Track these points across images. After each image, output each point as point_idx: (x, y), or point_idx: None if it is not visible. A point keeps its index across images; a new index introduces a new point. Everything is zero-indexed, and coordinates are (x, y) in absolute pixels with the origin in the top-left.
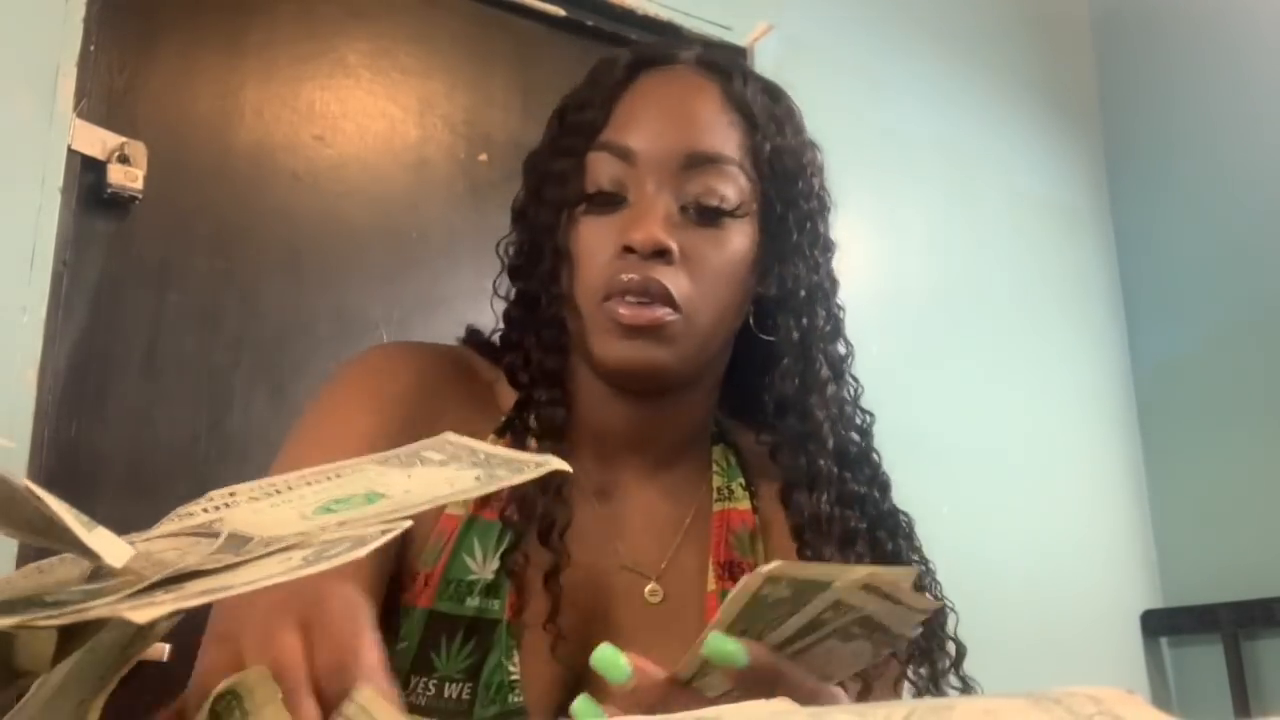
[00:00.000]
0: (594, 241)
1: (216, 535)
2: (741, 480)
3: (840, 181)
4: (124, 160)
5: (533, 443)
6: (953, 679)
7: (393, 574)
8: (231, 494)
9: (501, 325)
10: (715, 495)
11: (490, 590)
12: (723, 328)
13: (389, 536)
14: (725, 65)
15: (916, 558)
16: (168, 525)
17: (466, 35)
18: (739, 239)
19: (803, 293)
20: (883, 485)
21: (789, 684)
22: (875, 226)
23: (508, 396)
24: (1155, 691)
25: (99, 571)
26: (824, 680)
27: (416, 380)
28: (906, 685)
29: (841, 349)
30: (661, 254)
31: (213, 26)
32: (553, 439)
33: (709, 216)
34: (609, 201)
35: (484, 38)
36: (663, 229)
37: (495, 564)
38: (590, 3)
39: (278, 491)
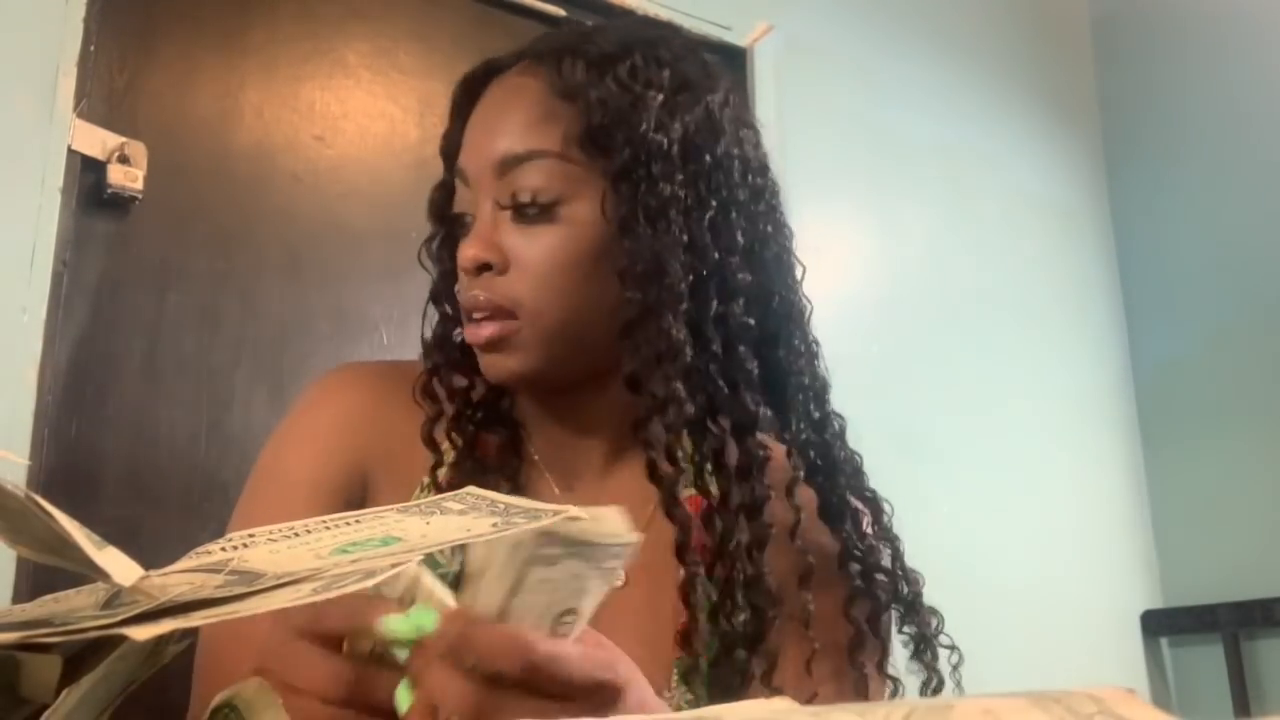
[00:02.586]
0: (452, 271)
1: (232, 572)
2: (708, 466)
3: (840, 181)
4: (124, 160)
5: (492, 438)
6: (938, 643)
7: None
8: (250, 535)
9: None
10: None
11: (458, 583)
12: (581, 319)
13: (398, 570)
14: (559, 49)
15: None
16: (185, 562)
17: (466, 35)
18: (571, 228)
19: (648, 259)
20: (836, 461)
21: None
22: (875, 227)
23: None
24: (1155, 691)
25: (112, 600)
26: (552, 607)
27: (348, 413)
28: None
29: (720, 308)
30: (486, 268)
31: (213, 26)
32: (504, 429)
33: (527, 215)
34: (461, 225)
35: (484, 38)
36: (480, 244)
37: (461, 555)
38: (590, 3)
39: (295, 534)
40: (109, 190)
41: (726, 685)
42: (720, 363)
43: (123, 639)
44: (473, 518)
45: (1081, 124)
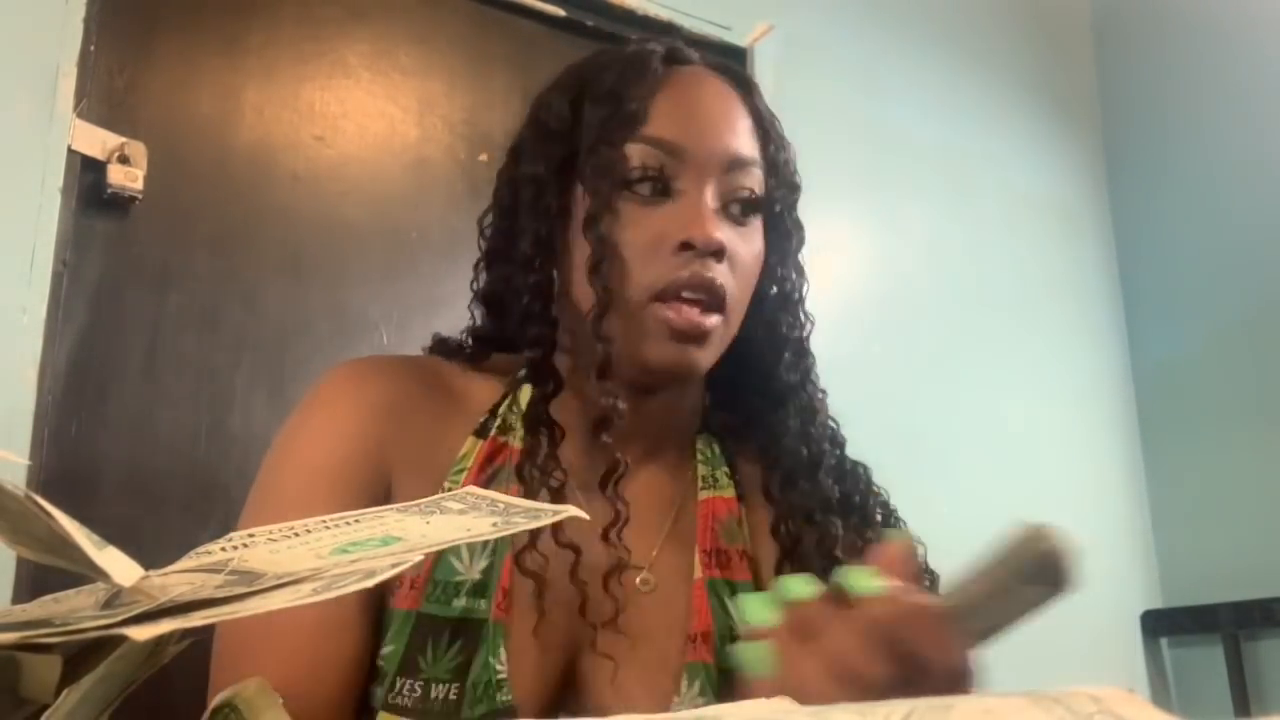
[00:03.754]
0: (641, 234)
1: (232, 572)
2: (726, 469)
3: (840, 181)
4: (124, 160)
5: (514, 443)
6: None
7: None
8: (251, 535)
9: (479, 315)
10: (700, 484)
11: (477, 590)
12: (740, 322)
13: (399, 569)
14: (735, 71)
15: (880, 505)
16: (185, 562)
17: (466, 35)
18: (759, 239)
19: (796, 295)
20: (839, 442)
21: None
22: (875, 226)
23: (481, 398)
24: (1155, 691)
25: (112, 600)
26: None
27: (372, 404)
28: None
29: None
30: (719, 254)
31: (213, 26)
32: (541, 431)
33: (744, 215)
34: (655, 192)
35: (484, 38)
36: (720, 229)
37: (482, 564)
38: (590, 3)
39: (296, 534)
40: (109, 190)
41: (735, 690)
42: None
43: (123, 639)
44: (473, 517)
45: (1081, 124)
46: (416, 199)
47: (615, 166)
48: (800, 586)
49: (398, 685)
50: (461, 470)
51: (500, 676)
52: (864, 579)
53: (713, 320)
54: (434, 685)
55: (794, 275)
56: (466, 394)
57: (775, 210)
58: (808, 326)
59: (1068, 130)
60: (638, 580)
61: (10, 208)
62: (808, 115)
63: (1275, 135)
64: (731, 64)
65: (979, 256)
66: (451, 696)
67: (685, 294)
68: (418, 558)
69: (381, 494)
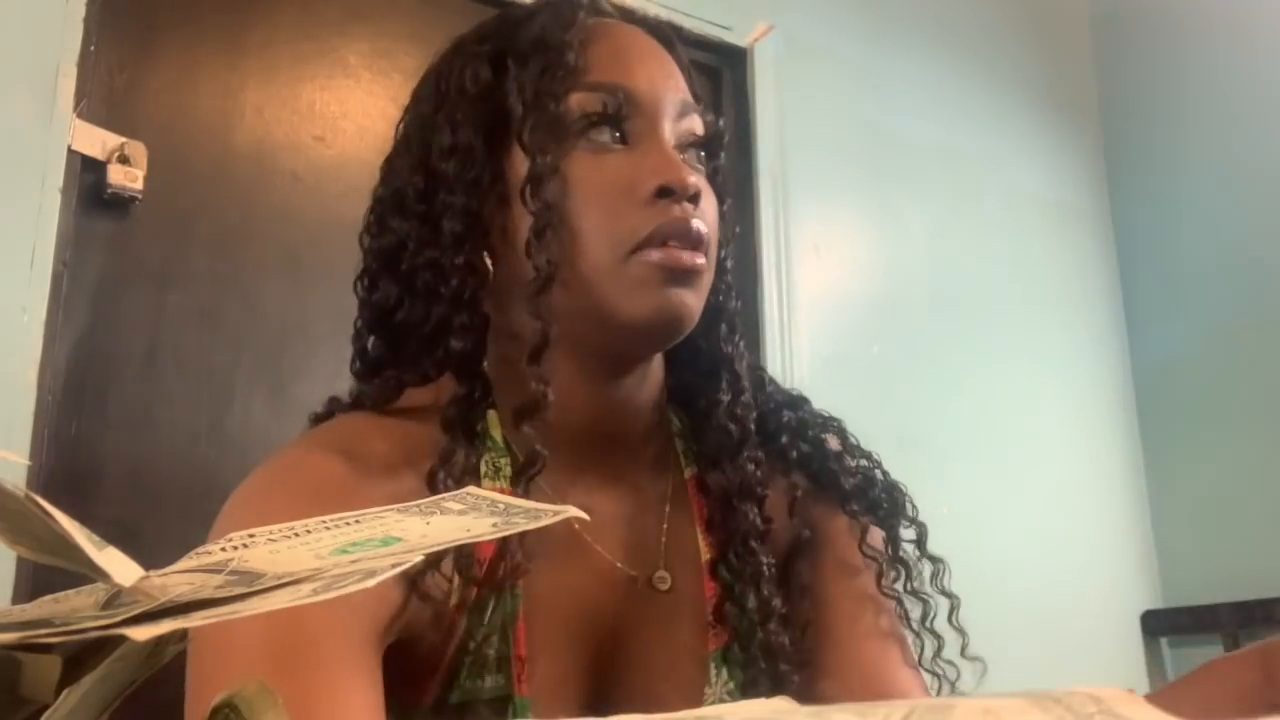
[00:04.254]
0: (604, 186)
1: (232, 572)
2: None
3: (840, 181)
4: (124, 161)
5: (503, 484)
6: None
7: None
8: (251, 535)
9: (371, 343)
10: (684, 460)
11: (494, 667)
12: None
13: (399, 569)
14: (653, 24)
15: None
16: (185, 562)
17: None
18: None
19: (729, 261)
20: (769, 388)
21: None
22: (875, 226)
23: (420, 446)
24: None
25: (112, 601)
26: None
27: (310, 500)
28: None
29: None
30: (696, 198)
31: (213, 26)
32: (459, 434)
33: (700, 161)
34: (613, 139)
35: None
36: (690, 170)
37: (492, 649)
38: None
39: (295, 534)
40: (109, 190)
41: (758, 663)
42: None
43: (123, 639)
44: (473, 518)
45: (1081, 124)
46: None
47: (562, 119)
48: None
49: None
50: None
51: None
52: None
53: (701, 259)
54: None
55: (724, 243)
56: (407, 434)
57: (714, 165)
58: (737, 299)
59: (1068, 130)
60: (654, 578)
61: (10, 208)
62: (808, 115)
63: (1275, 135)
64: (647, 17)
65: (979, 257)
66: None
67: (672, 242)
68: (418, 558)
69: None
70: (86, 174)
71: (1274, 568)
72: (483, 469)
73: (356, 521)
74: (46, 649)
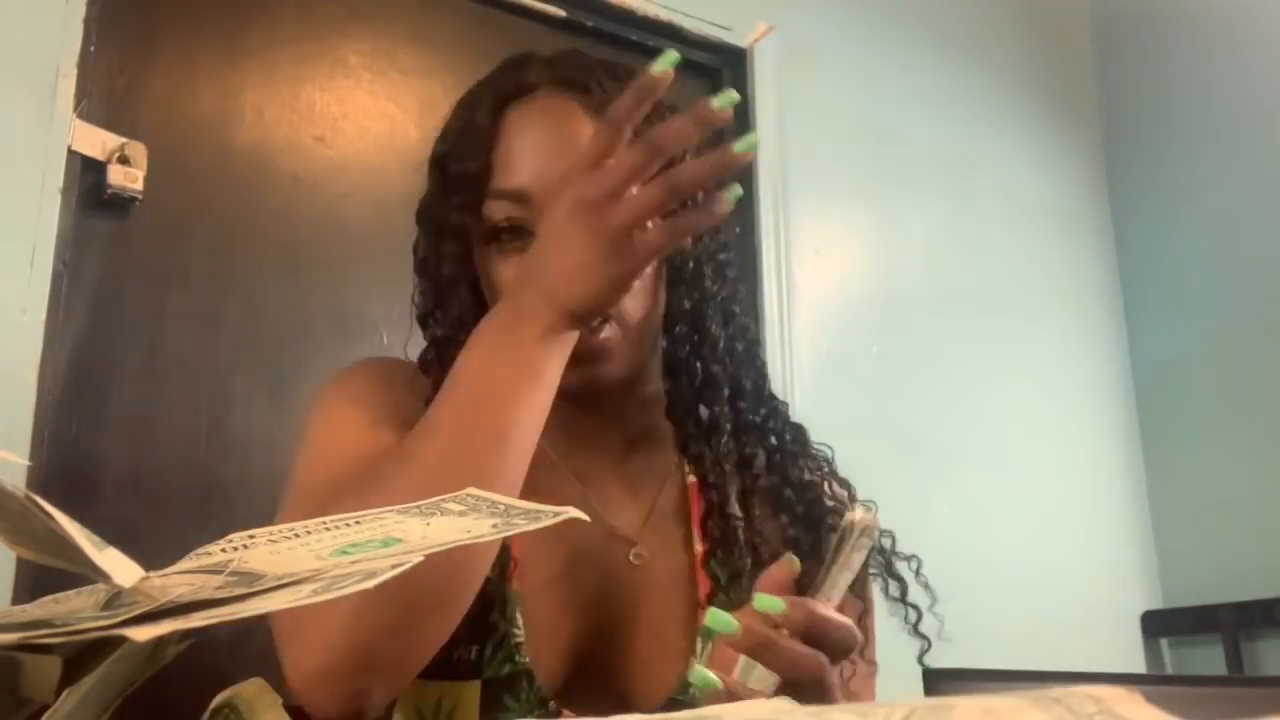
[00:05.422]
0: (502, 286)
1: (232, 573)
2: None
3: (840, 182)
4: (124, 161)
5: None
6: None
7: None
8: (251, 536)
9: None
10: (688, 467)
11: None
12: (651, 324)
13: (400, 569)
14: (579, 76)
15: (811, 471)
16: (185, 563)
17: (466, 35)
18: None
19: (690, 265)
20: (772, 410)
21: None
22: (875, 227)
23: None
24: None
25: (113, 601)
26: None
27: (394, 387)
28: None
29: (732, 294)
30: None
31: (213, 27)
32: None
33: None
34: (513, 237)
35: (484, 38)
36: None
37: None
38: (590, 3)
39: (296, 535)
40: (109, 191)
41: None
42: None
43: (123, 640)
44: (473, 519)
45: (1081, 124)
46: (416, 200)
47: (470, 228)
48: (724, 619)
49: None
50: None
51: (518, 640)
52: (768, 602)
53: (610, 333)
54: (455, 647)
55: (683, 250)
56: None
57: None
58: (707, 292)
59: (1068, 130)
60: (630, 555)
61: (10, 208)
62: (808, 115)
63: (1275, 135)
64: (572, 63)
65: (979, 257)
66: (471, 657)
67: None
68: (418, 559)
69: None
70: (86, 174)
71: (1274, 568)
72: None
73: (357, 522)
74: (47, 650)
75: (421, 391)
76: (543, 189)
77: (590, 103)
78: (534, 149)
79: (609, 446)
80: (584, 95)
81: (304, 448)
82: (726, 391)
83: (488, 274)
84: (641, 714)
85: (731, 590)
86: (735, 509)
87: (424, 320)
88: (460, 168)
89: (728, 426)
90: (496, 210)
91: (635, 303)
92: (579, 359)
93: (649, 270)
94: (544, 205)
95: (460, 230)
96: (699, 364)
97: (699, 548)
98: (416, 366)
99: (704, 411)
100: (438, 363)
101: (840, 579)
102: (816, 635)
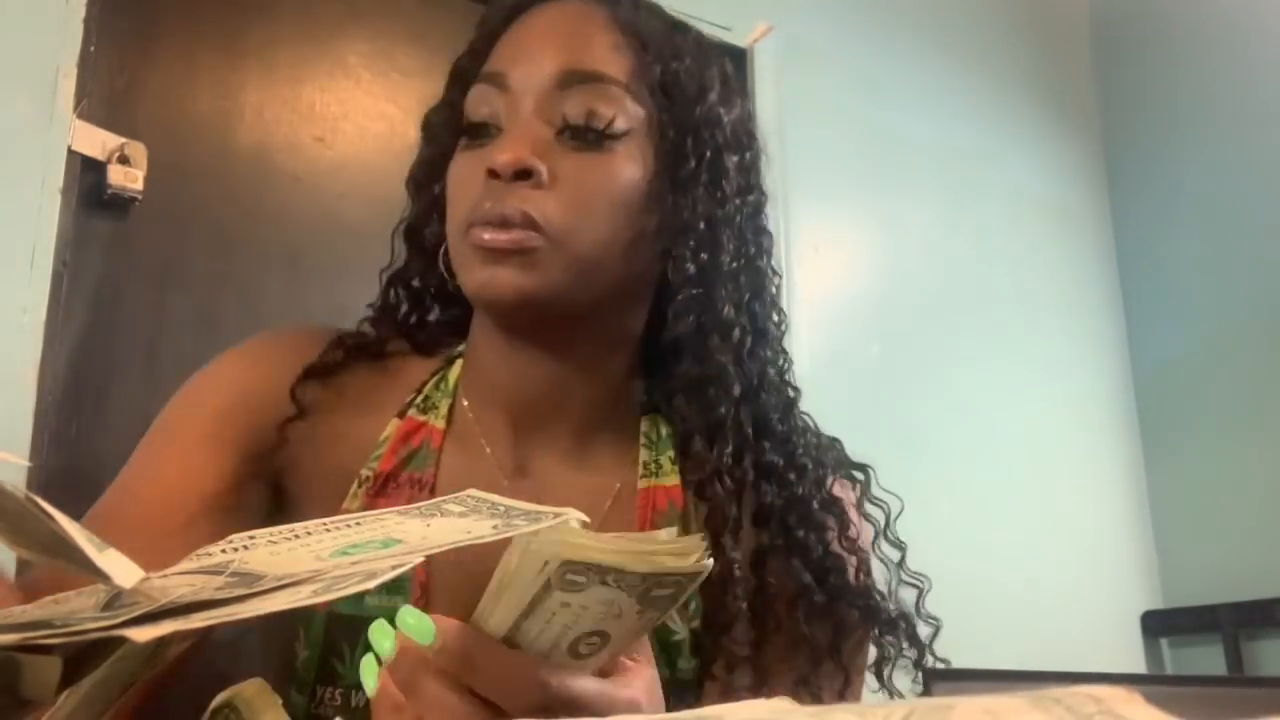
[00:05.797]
0: (464, 174)
1: (233, 574)
2: (672, 454)
3: (840, 181)
4: (124, 161)
5: (436, 422)
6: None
7: None
8: (251, 537)
9: (397, 297)
10: (641, 470)
11: (393, 587)
12: (612, 258)
13: (400, 570)
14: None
15: (838, 554)
16: (186, 564)
17: (466, 35)
18: (627, 165)
19: (701, 224)
20: (800, 467)
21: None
22: (875, 226)
23: (414, 375)
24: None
25: (112, 602)
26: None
27: (286, 362)
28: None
29: (764, 308)
30: (525, 175)
31: (213, 27)
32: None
33: (587, 138)
34: (482, 134)
35: None
36: (529, 149)
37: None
38: None
39: (296, 536)
40: (109, 190)
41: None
42: (751, 353)
43: (123, 640)
44: (473, 520)
45: (1081, 124)
46: None
47: (451, 118)
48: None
49: (319, 694)
50: (378, 456)
51: None
52: (415, 623)
53: (520, 235)
54: (355, 692)
55: (698, 206)
56: (401, 371)
57: (664, 133)
58: (722, 267)
59: (1068, 130)
60: None
61: (10, 208)
62: (808, 115)
63: (1275, 135)
64: None
65: (979, 257)
66: None
67: (475, 224)
68: (418, 559)
69: (262, 450)
70: (86, 174)
71: (1274, 568)
72: (424, 397)
73: (357, 524)
74: (47, 650)
75: (367, 357)
76: (524, 76)
77: (615, 14)
78: (532, 38)
79: (558, 437)
80: (613, 6)
81: (131, 456)
82: (737, 391)
83: (449, 173)
84: (643, 715)
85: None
86: (730, 543)
87: (407, 234)
88: (460, 63)
89: (731, 438)
90: (474, 98)
91: (577, 215)
92: (495, 255)
93: (613, 189)
94: (520, 96)
95: (440, 129)
96: (702, 349)
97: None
98: (326, 334)
99: (705, 410)
100: (386, 308)
101: (534, 617)
102: (467, 678)
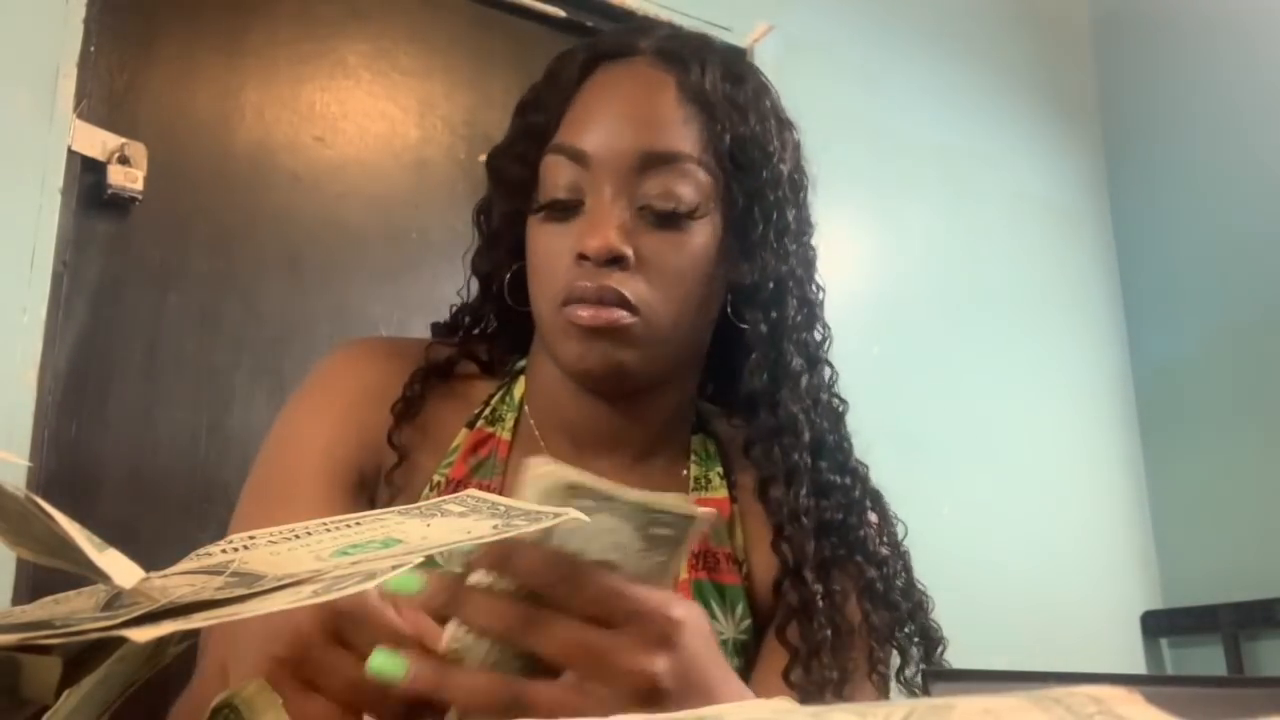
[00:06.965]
0: (551, 249)
1: (233, 574)
2: (720, 469)
3: (840, 182)
4: (124, 161)
5: (502, 434)
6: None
7: None
8: (251, 537)
9: (464, 320)
10: (692, 484)
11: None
12: (687, 326)
13: (400, 571)
14: (684, 54)
15: (887, 549)
16: (186, 564)
17: (466, 35)
18: (700, 237)
19: (771, 284)
20: (853, 472)
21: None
22: (875, 226)
23: (481, 388)
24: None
25: (113, 602)
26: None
27: (366, 387)
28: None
29: (817, 335)
30: (616, 261)
31: (213, 27)
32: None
33: (667, 220)
34: (564, 208)
35: (483, 38)
36: (617, 235)
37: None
38: (590, 3)
39: (296, 536)
40: (109, 191)
41: None
42: (809, 388)
43: (123, 640)
44: (473, 520)
45: (1081, 124)
46: (416, 200)
47: (526, 186)
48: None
49: None
50: (450, 462)
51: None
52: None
53: (618, 314)
54: None
55: (767, 267)
56: (469, 384)
57: (732, 199)
58: (788, 320)
59: (1068, 130)
60: None
61: (10, 208)
62: (808, 115)
63: (1275, 135)
64: (683, 42)
65: (979, 256)
66: None
67: (573, 303)
68: (418, 559)
69: (371, 474)
70: (86, 174)
71: (1274, 568)
72: (492, 410)
73: (357, 524)
74: (47, 650)
75: (414, 364)
76: (605, 157)
77: (684, 81)
78: (609, 112)
79: (616, 459)
80: (681, 72)
81: (267, 439)
82: (807, 438)
83: (532, 241)
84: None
85: (715, 620)
86: (811, 577)
87: (475, 269)
88: (534, 117)
89: (806, 480)
90: (552, 167)
91: (663, 294)
92: (593, 334)
93: (690, 265)
94: (601, 175)
95: (518, 185)
96: (777, 401)
97: (685, 574)
98: (422, 344)
99: (783, 457)
100: (453, 327)
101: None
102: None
